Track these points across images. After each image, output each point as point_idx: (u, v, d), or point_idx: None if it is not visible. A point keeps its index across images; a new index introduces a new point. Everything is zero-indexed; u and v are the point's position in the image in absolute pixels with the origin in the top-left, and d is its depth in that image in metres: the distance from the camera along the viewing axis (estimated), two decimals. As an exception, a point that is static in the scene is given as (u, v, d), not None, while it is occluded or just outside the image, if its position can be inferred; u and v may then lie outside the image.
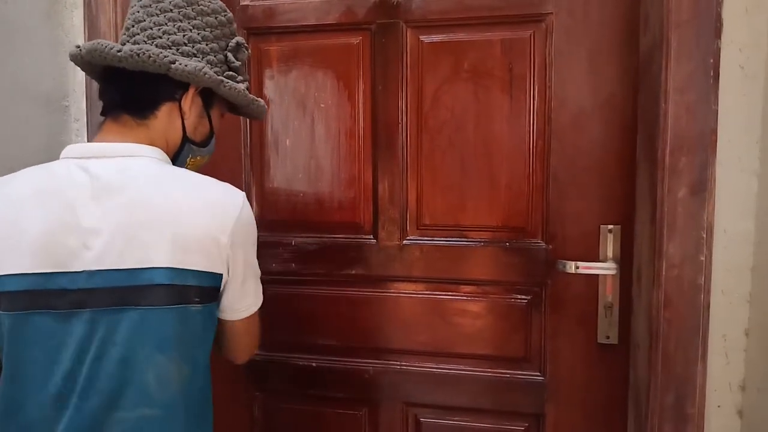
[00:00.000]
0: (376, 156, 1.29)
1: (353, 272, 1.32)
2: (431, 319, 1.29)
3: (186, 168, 0.96)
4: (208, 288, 0.84)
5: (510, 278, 1.24)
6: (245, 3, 1.32)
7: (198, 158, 0.99)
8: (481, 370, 1.28)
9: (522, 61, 1.21)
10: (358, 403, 1.35)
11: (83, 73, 1.25)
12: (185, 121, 0.92)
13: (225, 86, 0.92)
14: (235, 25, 0.98)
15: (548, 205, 1.21)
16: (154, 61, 0.85)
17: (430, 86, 1.25)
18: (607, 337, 1.20)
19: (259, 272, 0.96)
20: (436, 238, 1.28)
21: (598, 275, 1.19)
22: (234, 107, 1.02)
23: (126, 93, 0.89)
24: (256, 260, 0.94)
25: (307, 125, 1.33)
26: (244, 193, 0.89)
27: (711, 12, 1.01)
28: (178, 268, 0.81)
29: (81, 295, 0.80)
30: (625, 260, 1.18)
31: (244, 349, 1.01)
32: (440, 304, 1.29)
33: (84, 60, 0.88)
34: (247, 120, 1.34)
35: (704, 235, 1.03)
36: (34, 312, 0.80)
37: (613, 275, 1.18)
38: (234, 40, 0.96)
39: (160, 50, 0.86)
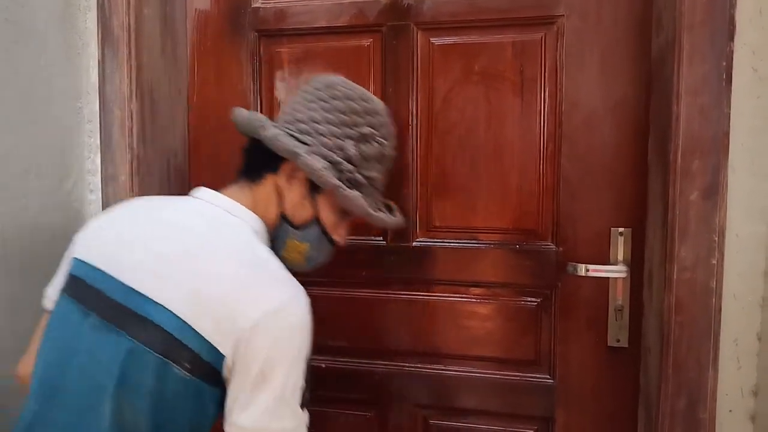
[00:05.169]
0: (386, 158, 1.29)
1: (363, 274, 1.32)
2: (440, 321, 1.29)
3: (285, 250, 0.96)
4: (204, 361, 0.77)
5: (520, 281, 1.24)
6: (257, 5, 1.33)
7: (296, 242, 0.96)
8: (490, 372, 1.27)
9: (533, 64, 1.21)
10: (367, 404, 1.35)
11: (96, 74, 1.28)
12: (285, 197, 0.94)
13: (341, 191, 0.91)
14: (373, 119, 0.97)
15: (559, 208, 1.21)
16: (285, 148, 0.90)
17: (440, 88, 1.25)
18: (618, 341, 1.19)
19: (290, 401, 0.80)
20: (446, 240, 1.28)
21: (608, 278, 1.19)
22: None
23: (247, 158, 0.99)
24: (289, 381, 0.79)
25: (317, 127, 1.33)
26: (306, 302, 0.82)
27: (724, 14, 1.00)
28: (185, 321, 0.77)
29: (95, 297, 0.82)
30: (636, 263, 1.17)
31: None
32: (450, 307, 1.29)
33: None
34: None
35: (716, 239, 1.02)
36: (66, 296, 0.85)
37: (623, 278, 1.18)
38: (363, 129, 0.95)
39: (295, 142, 0.90)
